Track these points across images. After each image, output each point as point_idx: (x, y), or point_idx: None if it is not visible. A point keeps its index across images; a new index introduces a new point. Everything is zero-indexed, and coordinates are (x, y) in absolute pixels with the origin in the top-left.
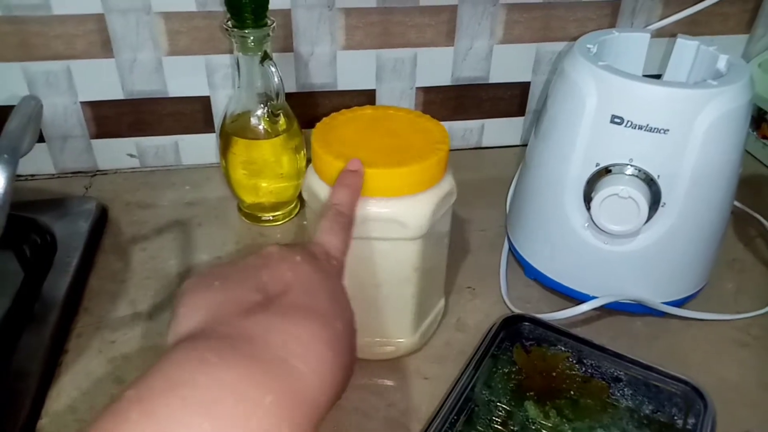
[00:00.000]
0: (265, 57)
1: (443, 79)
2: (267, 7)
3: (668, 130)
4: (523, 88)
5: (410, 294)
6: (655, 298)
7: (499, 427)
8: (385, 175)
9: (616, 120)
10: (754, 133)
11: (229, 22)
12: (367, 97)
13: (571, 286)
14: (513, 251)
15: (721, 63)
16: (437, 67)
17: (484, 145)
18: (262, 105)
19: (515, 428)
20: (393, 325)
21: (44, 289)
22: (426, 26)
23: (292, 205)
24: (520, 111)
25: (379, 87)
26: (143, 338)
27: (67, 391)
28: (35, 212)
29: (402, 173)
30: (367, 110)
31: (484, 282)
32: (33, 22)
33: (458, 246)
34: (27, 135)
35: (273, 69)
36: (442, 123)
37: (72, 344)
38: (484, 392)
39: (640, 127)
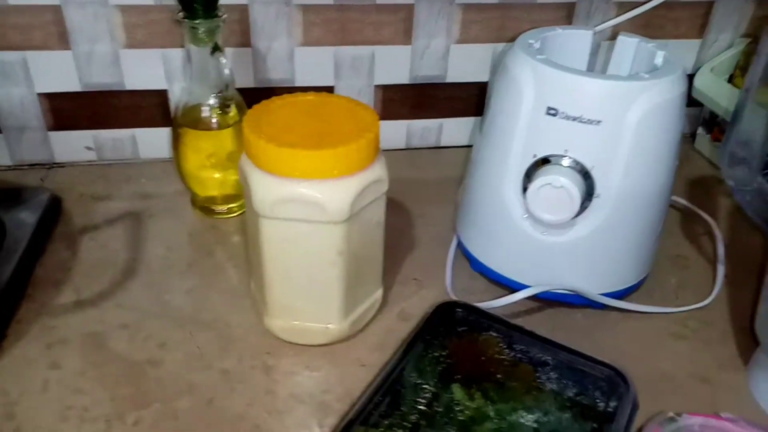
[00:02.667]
0: (216, 49)
1: (401, 77)
2: None
3: (600, 122)
4: (481, 87)
5: (336, 278)
6: (594, 290)
7: (424, 408)
8: (307, 156)
9: (551, 112)
10: (708, 135)
11: (181, 13)
12: None
13: (512, 278)
14: (460, 245)
15: (659, 59)
16: (395, 65)
17: (442, 144)
18: (213, 96)
19: (439, 409)
20: (321, 309)
21: None
22: (383, 24)
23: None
24: (477, 111)
25: (337, 84)
26: (83, 325)
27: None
28: None
29: (324, 155)
30: (308, 96)
31: (431, 274)
32: None
33: (407, 240)
34: None
35: (223, 60)
36: (401, 122)
37: (11, 330)
38: (412, 375)
39: (574, 119)
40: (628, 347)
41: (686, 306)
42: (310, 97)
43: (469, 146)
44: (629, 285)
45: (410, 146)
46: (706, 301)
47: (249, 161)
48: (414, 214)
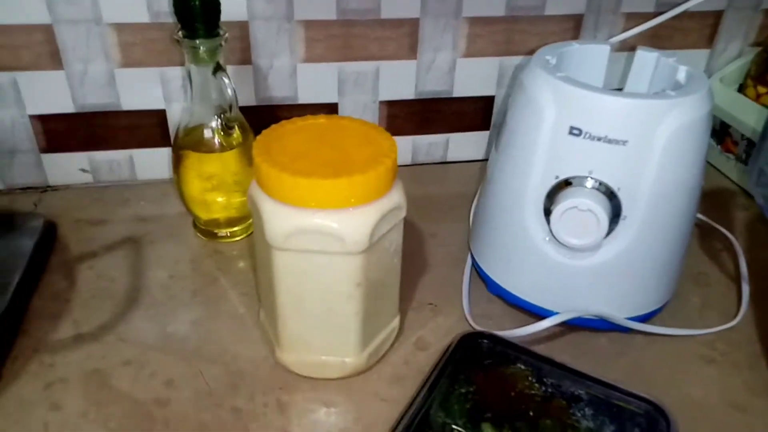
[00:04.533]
0: (218, 68)
1: (407, 92)
2: (219, 17)
3: (627, 142)
4: (487, 101)
5: (354, 311)
6: (618, 314)
7: None
8: (323, 185)
9: (575, 131)
10: (718, 146)
11: (180, 33)
12: (329, 111)
13: (533, 302)
14: (476, 267)
15: (681, 74)
16: (400, 80)
17: (449, 159)
18: (215, 117)
19: None
20: (337, 342)
21: None
22: (388, 39)
23: (250, 221)
24: (484, 125)
25: (341, 100)
26: (85, 361)
27: None
28: None
29: (340, 184)
30: (319, 119)
31: (446, 299)
32: None
33: (419, 261)
34: None
35: (226, 80)
36: (406, 137)
37: (7, 369)
38: (439, 414)
39: (599, 139)
40: (656, 373)
41: (713, 327)
42: (322, 120)
43: (477, 161)
44: (656, 308)
45: (416, 162)
46: (734, 322)
47: (260, 190)
48: (424, 233)
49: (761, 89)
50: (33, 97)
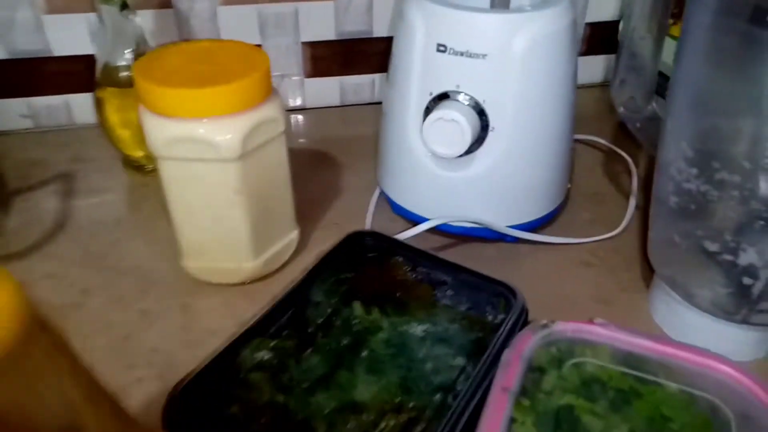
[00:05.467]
0: (124, 5)
1: (328, 34)
2: None
3: (486, 56)
4: None
5: (240, 218)
6: (501, 223)
7: (322, 321)
8: (193, 95)
9: (441, 48)
10: None
11: None
12: None
13: (426, 216)
14: (382, 192)
15: None
16: (320, 21)
17: (377, 99)
18: (127, 53)
19: (337, 323)
20: (231, 249)
21: None
22: None
23: None
24: None
25: (264, 43)
26: (12, 273)
27: None
28: None
29: (210, 93)
30: (203, 43)
31: (352, 219)
32: None
33: (334, 190)
34: None
35: (131, 16)
36: (333, 78)
37: None
38: (316, 294)
39: (462, 54)
40: (534, 275)
41: (596, 236)
42: (205, 43)
43: None
44: (537, 217)
45: (345, 103)
46: (616, 231)
47: (143, 107)
48: (344, 166)
49: None
50: None
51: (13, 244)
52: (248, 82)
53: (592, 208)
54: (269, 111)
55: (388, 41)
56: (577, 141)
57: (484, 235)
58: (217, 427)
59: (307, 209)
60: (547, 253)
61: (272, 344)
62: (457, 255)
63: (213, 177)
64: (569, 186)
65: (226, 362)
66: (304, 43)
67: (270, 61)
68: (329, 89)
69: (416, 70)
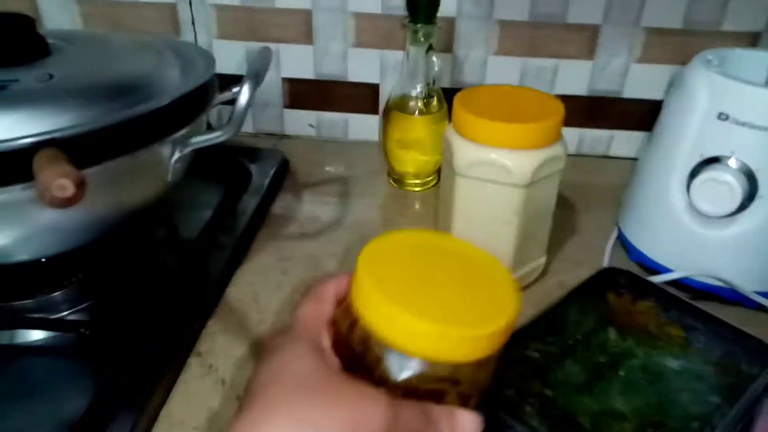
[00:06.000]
0: (430, 48)
1: (581, 89)
2: (437, 9)
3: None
4: (654, 104)
5: (510, 237)
6: (746, 287)
7: (580, 338)
8: (501, 128)
9: (722, 116)
10: None
11: (407, 19)
12: None
13: (668, 267)
14: (621, 238)
15: None
16: (575, 78)
17: (611, 154)
18: (420, 88)
19: (594, 342)
20: None
21: (238, 208)
22: (569, 42)
23: (431, 177)
24: (648, 126)
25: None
26: (304, 249)
27: (246, 274)
28: (238, 155)
29: (515, 128)
30: (506, 87)
31: (589, 257)
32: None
33: (571, 228)
34: (263, 71)
35: (434, 59)
36: (573, 129)
37: (254, 245)
38: (574, 314)
39: (744, 124)
40: None
41: None
42: (508, 88)
43: (637, 159)
44: None
45: (580, 153)
46: None
47: (453, 130)
48: (579, 208)
49: None
50: (287, 64)
51: (308, 225)
52: (547, 125)
53: None
54: (557, 151)
55: (634, 102)
56: None
57: (724, 295)
58: (495, 405)
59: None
60: None
61: (538, 346)
62: None
63: (500, 198)
64: None
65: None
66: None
67: (564, 110)
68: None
69: (690, 133)
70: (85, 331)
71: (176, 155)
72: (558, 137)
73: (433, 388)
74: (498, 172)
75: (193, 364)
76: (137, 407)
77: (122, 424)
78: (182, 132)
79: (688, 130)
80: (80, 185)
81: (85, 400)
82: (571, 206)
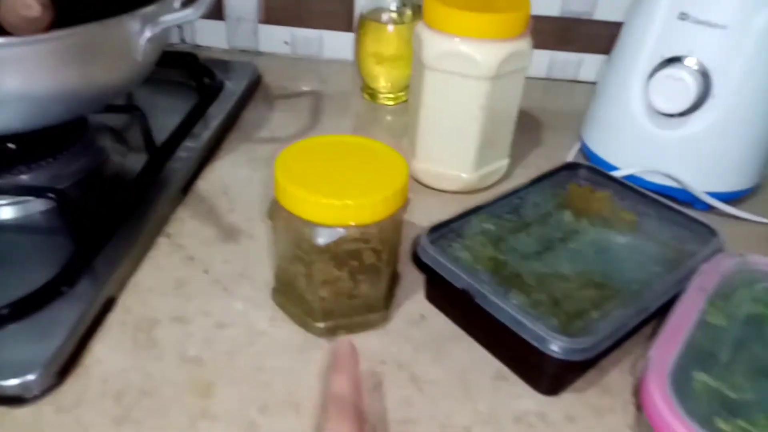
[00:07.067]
0: None
1: (552, 10)
2: None
3: (726, 27)
4: None
5: (474, 131)
6: (699, 187)
7: (537, 217)
8: (470, 17)
9: (682, 16)
10: None
11: None
12: None
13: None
14: (583, 147)
15: None
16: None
17: (580, 78)
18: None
19: (550, 221)
20: (457, 157)
21: (208, 113)
22: None
23: (404, 91)
24: None
25: None
26: (275, 151)
27: (216, 171)
28: (213, 66)
29: (483, 18)
30: None
31: (551, 165)
32: None
33: (535, 141)
34: None
35: None
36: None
37: (224, 146)
38: (534, 200)
39: (702, 23)
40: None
41: None
42: None
43: None
44: (732, 190)
45: (550, 77)
46: None
47: (424, 24)
48: (546, 126)
49: None
50: None
51: (278, 129)
52: (514, 16)
53: None
54: (522, 45)
55: (606, 25)
56: None
57: (676, 196)
58: (450, 262)
59: (513, 150)
60: (732, 227)
61: (496, 221)
62: None
63: (466, 91)
64: None
65: (461, 223)
66: None
67: (531, 3)
68: (538, 62)
69: (653, 35)
70: (53, 197)
71: (147, 33)
72: (524, 32)
73: (350, 249)
74: (465, 64)
75: (162, 243)
76: (105, 274)
77: (88, 288)
78: (151, 8)
79: (650, 31)
80: (46, 5)
81: (54, 272)
82: (539, 123)
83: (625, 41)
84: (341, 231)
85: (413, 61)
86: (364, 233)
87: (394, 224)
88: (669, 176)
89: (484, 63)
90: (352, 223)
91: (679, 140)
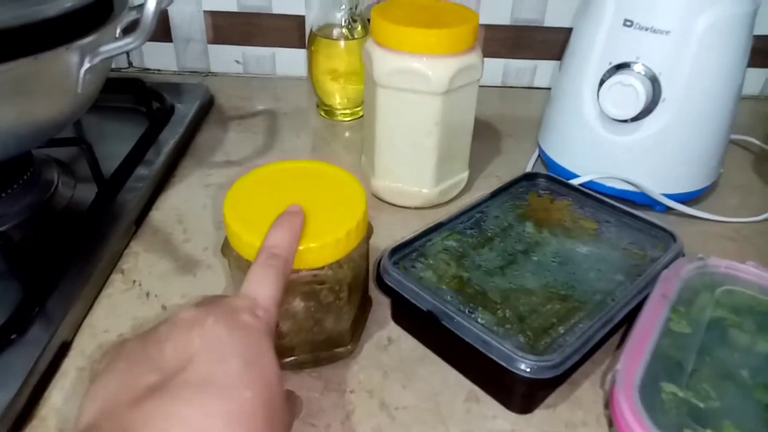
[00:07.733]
0: None
1: (503, 19)
2: None
3: (669, 32)
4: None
5: (431, 147)
6: (656, 189)
7: (499, 230)
8: (419, 34)
9: (627, 23)
10: None
11: None
12: None
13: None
14: (541, 154)
15: None
16: (498, 7)
17: (535, 85)
18: (343, 13)
19: (512, 234)
20: (416, 174)
21: (160, 138)
22: None
23: (360, 106)
24: None
25: None
26: (232, 173)
27: (170, 199)
28: (163, 90)
29: (432, 34)
30: (423, 1)
31: (512, 174)
32: None
33: (495, 149)
34: None
35: None
36: (499, 60)
37: (177, 175)
38: (495, 213)
39: (646, 29)
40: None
41: (742, 218)
42: (425, 1)
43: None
44: (689, 190)
45: (506, 84)
46: (763, 216)
47: (373, 41)
48: (504, 134)
49: None
50: None
51: (233, 154)
52: (462, 30)
53: (740, 196)
54: (473, 59)
55: (556, 31)
56: (732, 142)
57: (634, 200)
58: (413, 284)
59: (472, 161)
60: (691, 227)
61: (458, 237)
62: None
63: (420, 107)
64: (722, 171)
65: (423, 242)
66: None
67: (479, 18)
68: (492, 71)
69: (600, 42)
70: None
71: (86, 64)
72: (474, 46)
73: (304, 291)
74: (416, 80)
75: (117, 280)
76: (57, 318)
77: (41, 332)
78: (90, 39)
79: (597, 39)
80: None
81: (4, 315)
82: (497, 132)
83: (573, 48)
84: (291, 275)
85: (365, 79)
86: (316, 276)
87: (355, 258)
88: (626, 181)
89: (435, 79)
90: (302, 269)
91: (634, 145)
